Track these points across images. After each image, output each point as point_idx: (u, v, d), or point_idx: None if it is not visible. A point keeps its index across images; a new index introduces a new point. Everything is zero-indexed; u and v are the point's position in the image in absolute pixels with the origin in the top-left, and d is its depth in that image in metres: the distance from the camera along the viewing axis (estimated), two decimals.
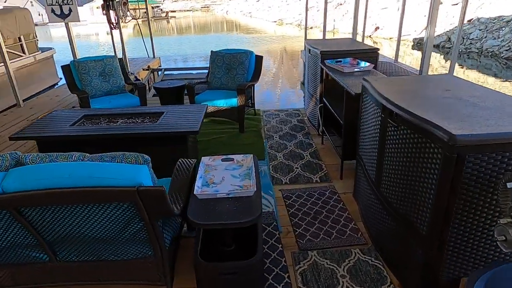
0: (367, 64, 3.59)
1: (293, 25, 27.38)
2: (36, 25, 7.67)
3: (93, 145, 3.07)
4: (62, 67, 4.70)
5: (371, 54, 3.94)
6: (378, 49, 4.04)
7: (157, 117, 3.36)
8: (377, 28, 18.98)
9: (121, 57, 5.15)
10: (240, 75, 4.73)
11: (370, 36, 18.52)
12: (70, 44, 7.09)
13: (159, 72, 7.93)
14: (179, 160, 2.38)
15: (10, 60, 5.88)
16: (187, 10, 57.42)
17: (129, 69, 7.59)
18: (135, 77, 7.64)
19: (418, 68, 3.45)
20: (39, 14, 29.40)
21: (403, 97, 2.03)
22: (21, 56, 6.68)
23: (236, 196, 1.97)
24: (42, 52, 6.94)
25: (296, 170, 3.54)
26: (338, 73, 3.45)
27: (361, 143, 2.73)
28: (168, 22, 44.50)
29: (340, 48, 4.12)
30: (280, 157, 3.83)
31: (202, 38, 22.79)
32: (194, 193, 1.98)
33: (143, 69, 8.03)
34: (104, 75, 4.76)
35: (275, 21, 30.80)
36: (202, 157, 2.41)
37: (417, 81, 2.52)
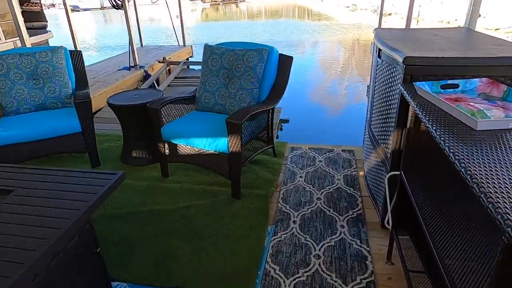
0: None
1: (368, 11, 23.96)
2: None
3: None
4: None
5: None
6: None
7: None
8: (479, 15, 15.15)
9: (76, 49, 3.38)
10: (247, 91, 2.63)
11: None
12: (71, 31, 5.57)
13: (178, 66, 6.12)
14: None
15: None
16: None
17: (137, 61, 5.89)
18: (145, 71, 5.94)
19: None
20: None
21: None
22: None
23: None
24: (31, 36, 5.62)
25: None
26: (455, 129, 1.20)
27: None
28: (237, 6, 43.25)
29: (449, 50, 1.81)
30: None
31: (268, 24, 20.72)
32: None
33: (158, 61, 6.30)
34: (37, 79, 3.01)
35: (347, 7, 27.48)
36: None
37: None
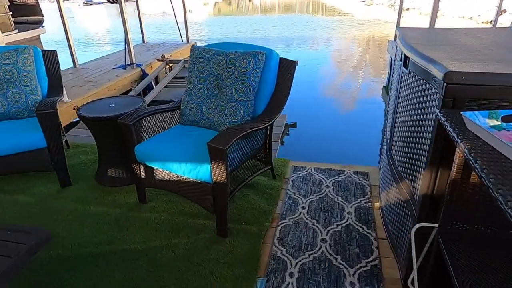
0: None
1: (385, 5, 23.07)
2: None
3: None
4: None
5: None
6: None
7: None
8: (503, 11, 14.29)
9: (53, 49, 2.94)
10: (239, 104, 2.16)
11: (490, 21, 14.02)
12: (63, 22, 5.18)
13: (178, 65, 5.67)
14: None
15: None
16: None
17: (134, 59, 5.47)
18: (143, 70, 5.52)
19: None
20: None
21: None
22: None
23: None
24: (20, 31, 5.24)
25: None
26: None
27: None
28: (250, 0, 42.54)
29: (509, 62, 1.31)
30: None
31: (280, 19, 20.11)
32: None
33: (157, 60, 5.87)
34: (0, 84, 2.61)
35: (363, 1, 26.60)
36: None
37: None
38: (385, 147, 2.35)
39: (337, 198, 2.33)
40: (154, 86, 5.38)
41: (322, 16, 21.42)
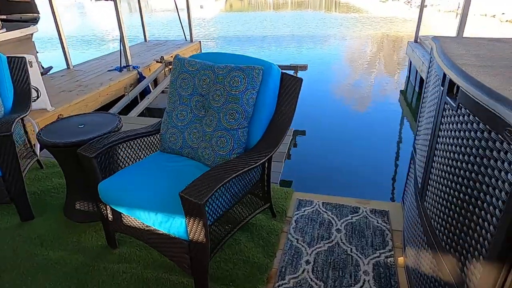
0: None
1: (400, 2, 22.27)
2: None
3: None
4: None
5: None
6: None
7: None
8: None
9: (20, 56, 2.53)
10: (228, 132, 1.71)
11: None
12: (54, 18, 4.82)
13: None
14: None
15: None
16: None
17: (130, 61, 5.07)
18: (140, 73, 5.12)
19: None
20: None
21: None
22: None
23: None
24: (9, 30, 4.89)
25: None
26: None
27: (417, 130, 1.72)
28: None
29: None
30: None
31: (292, 15, 19.52)
32: None
33: (156, 61, 5.46)
34: None
35: None
36: None
37: None
38: (412, 184, 1.88)
39: (351, 249, 1.87)
40: (151, 90, 4.97)
41: (336, 13, 20.77)
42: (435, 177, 1.38)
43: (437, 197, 1.35)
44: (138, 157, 2.04)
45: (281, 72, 1.85)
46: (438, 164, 1.36)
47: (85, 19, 20.25)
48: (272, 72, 1.77)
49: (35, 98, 3.46)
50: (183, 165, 1.83)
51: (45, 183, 2.60)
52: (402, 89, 6.11)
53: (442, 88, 1.37)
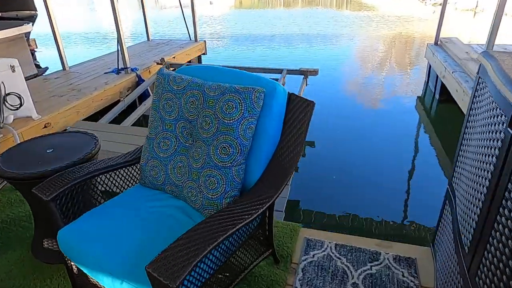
0: None
1: None
2: None
3: None
4: None
5: None
6: None
7: None
8: None
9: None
10: (220, 170, 1.35)
11: None
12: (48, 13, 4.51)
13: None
14: None
15: None
16: None
17: (128, 63, 4.75)
18: (138, 76, 4.80)
19: None
20: None
21: None
22: None
23: None
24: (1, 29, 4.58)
25: None
26: None
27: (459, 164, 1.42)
28: None
29: None
30: None
31: (302, 13, 19.05)
32: None
33: (156, 63, 5.13)
34: None
35: None
36: None
37: None
38: (449, 232, 1.50)
39: None
40: (151, 95, 4.64)
41: (347, 11, 20.21)
42: (500, 237, 1.01)
43: (502, 265, 0.97)
44: (117, 187, 1.70)
45: (288, 93, 1.48)
46: (507, 220, 0.98)
47: (94, 15, 20.03)
48: (277, 95, 1.40)
49: (18, 106, 3.15)
50: (165, 206, 1.48)
51: (17, 209, 2.28)
52: (420, 95, 5.68)
53: (501, 119, 1.00)
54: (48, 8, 4.70)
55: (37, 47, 7.28)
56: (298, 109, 1.47)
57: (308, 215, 2.90)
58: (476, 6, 14.97)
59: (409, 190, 3.24)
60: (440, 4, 18.28)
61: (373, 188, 3.21)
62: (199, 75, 1.56)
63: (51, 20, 4.75)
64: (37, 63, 6.44)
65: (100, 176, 1.58)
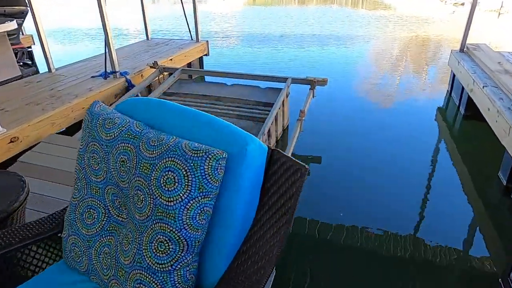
0: None
1: None
2: None
3: None
4: None
5: None
6: None
7: None
8: None
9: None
10: (153, 276, 0.87)
11: None
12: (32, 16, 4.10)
13: (173, 75, 4.39)
14: None
15: None
16: None
17: (117, 67, 4.31)
18: (128, 80, 4.36)
19: None
20: None
21: None
22: None
23: None
24: None
25: None
26: None
27: None
28: None
29: None
30: None
31: (315, 11, 18.41)
32: None
33: (150, 66, 4.67)
34: None
35: None
36: None
37: None
38: None
39: None
40: None
41: (363, 10, 19.46)
42: None
43: None
44: (33, 264, 1.24)
45: (270, 150, 0.99)
46: None
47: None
48: (249, 160, 0.91)
49: None
50: None
51: None
52: (440, 105, 5.10)
53: None
54: (31, 5, 4.28)
55: (34, 44, 6.92)
56: (284, 174, 0.98)
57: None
58: (501, 6, 14.12)
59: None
60: (462, 4, 17.41)
61: (384, 207, 2.68)
62: (146, 115, 1.08)
63: (35, 18, 4.34)
64: (28, 62, 6.06)
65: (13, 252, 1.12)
